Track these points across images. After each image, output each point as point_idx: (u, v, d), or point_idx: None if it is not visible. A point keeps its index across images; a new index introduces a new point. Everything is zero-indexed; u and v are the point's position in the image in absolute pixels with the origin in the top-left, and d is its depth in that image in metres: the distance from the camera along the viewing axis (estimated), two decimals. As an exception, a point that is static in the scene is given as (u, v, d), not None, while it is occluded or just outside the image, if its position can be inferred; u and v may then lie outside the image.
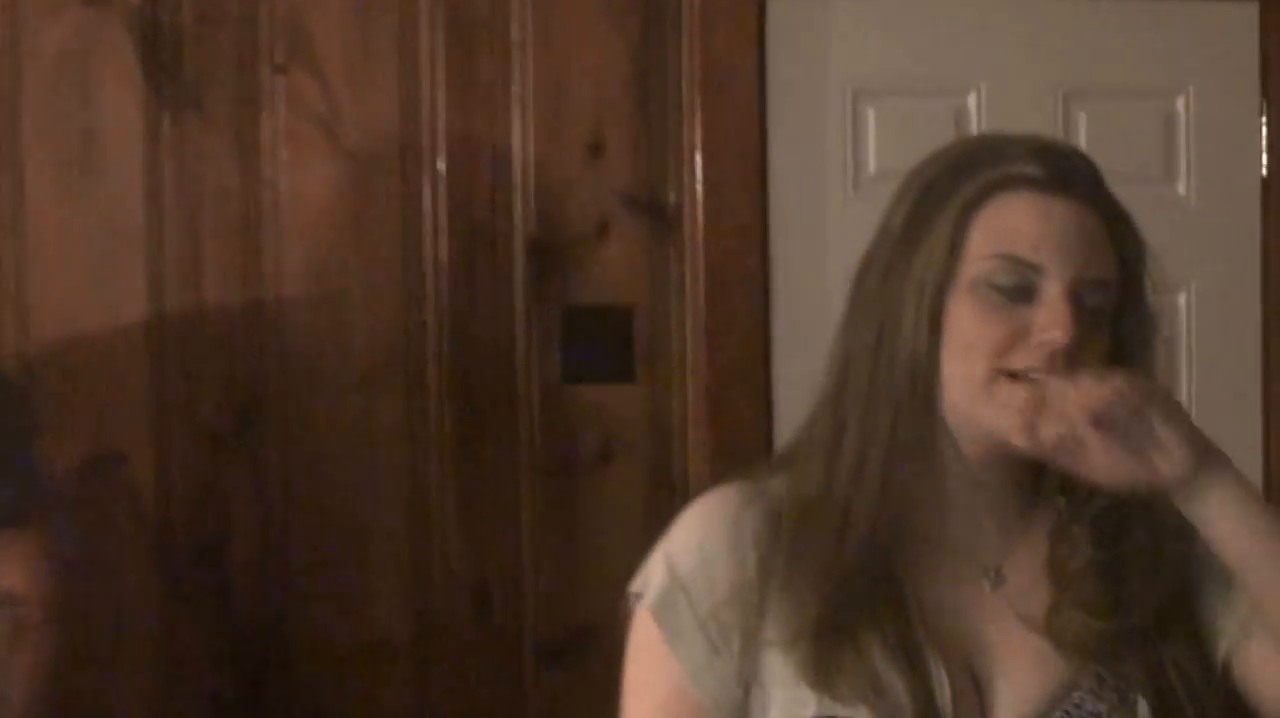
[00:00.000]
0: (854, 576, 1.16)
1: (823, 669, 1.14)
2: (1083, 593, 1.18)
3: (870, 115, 2.46)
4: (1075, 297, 1.14)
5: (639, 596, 1.25)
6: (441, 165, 2.26)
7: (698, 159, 2.32)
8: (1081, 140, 2.43)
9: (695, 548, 1.22)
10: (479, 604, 2.27)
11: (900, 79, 2.47)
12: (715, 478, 2.47)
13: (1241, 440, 2.37)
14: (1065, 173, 1.17)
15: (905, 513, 1.19)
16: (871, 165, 2.46)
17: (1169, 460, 1.10)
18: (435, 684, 2.27)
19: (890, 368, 1.17)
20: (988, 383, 1.14)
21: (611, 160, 2.30)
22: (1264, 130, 2.51)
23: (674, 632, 1.21)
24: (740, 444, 2.30)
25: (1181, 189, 2.53)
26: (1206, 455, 1.10)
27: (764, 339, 2.35)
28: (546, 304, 2.28)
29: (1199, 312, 2.53)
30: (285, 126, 2.22)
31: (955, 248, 1.15)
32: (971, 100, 2.47)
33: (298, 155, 2.22)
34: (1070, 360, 1.12)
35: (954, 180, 1.18)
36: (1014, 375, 1.14)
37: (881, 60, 2.46)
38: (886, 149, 2.46)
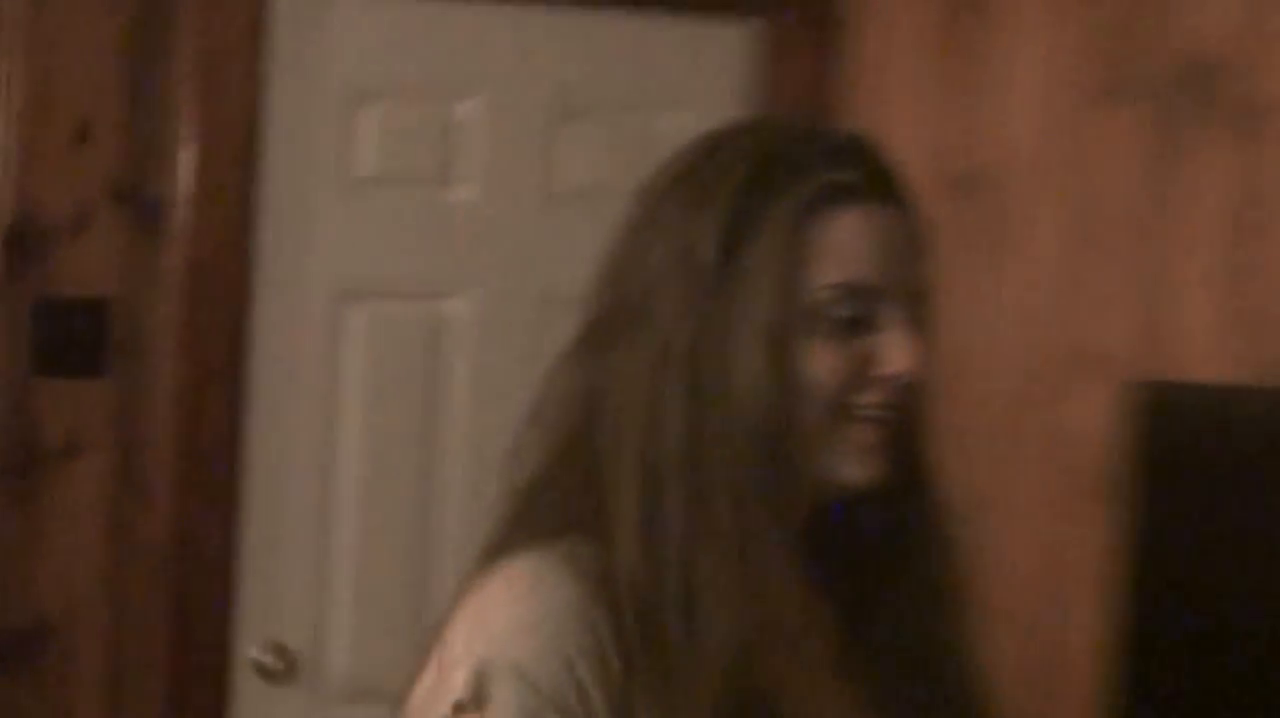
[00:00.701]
0: (722, 698, 1.00)
1: None
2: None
3: (366, 119, 2.52)
4: (913, 318, 1.05)
5: (467, 700, 1.02)
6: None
7: (187, 152, 2.33)
8: (580, 151, 2.57)
9: (553, 655, 1.01)
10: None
11: (398, 84, 2.55)
12: (181, 479, 2.54)
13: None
14: (880, 175, 1.07)
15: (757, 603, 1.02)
16: (364, 169, 2.52)
17: None
18: None
19: (727, 427, 1.02)
20: (833, 426, 1.04)
21: (98, 149, 2.27)
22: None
23: None
24: (210, 446, 2.34)
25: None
26: None
27: (242, 341, 2.39)
28: (20, 294, 2.24)
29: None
30: None
31: (788, 280, 1.03)
32: (468, 107, 2.58)
33: None
34: (916, 391, 1.05)
35: (767, 197, 1.05)
36: (862, 415, 1.04)
37: (381, 63, 2.54)
38: (381, 154, 2.54)
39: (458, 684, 1.01)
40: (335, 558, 2.51)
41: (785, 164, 1.07)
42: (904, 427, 1.05)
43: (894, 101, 2.59)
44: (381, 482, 2.54)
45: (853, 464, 1.04)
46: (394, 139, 2.53)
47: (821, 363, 1.03)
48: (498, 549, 1.07)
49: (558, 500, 1.07)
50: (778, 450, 1.03)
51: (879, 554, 1.09)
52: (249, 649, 2.41)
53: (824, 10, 2.64)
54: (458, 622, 1.04)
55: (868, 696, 1.07)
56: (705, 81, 2.71)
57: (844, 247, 1.05)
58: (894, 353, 1.03)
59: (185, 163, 2.33)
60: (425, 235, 2.54)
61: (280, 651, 2.41)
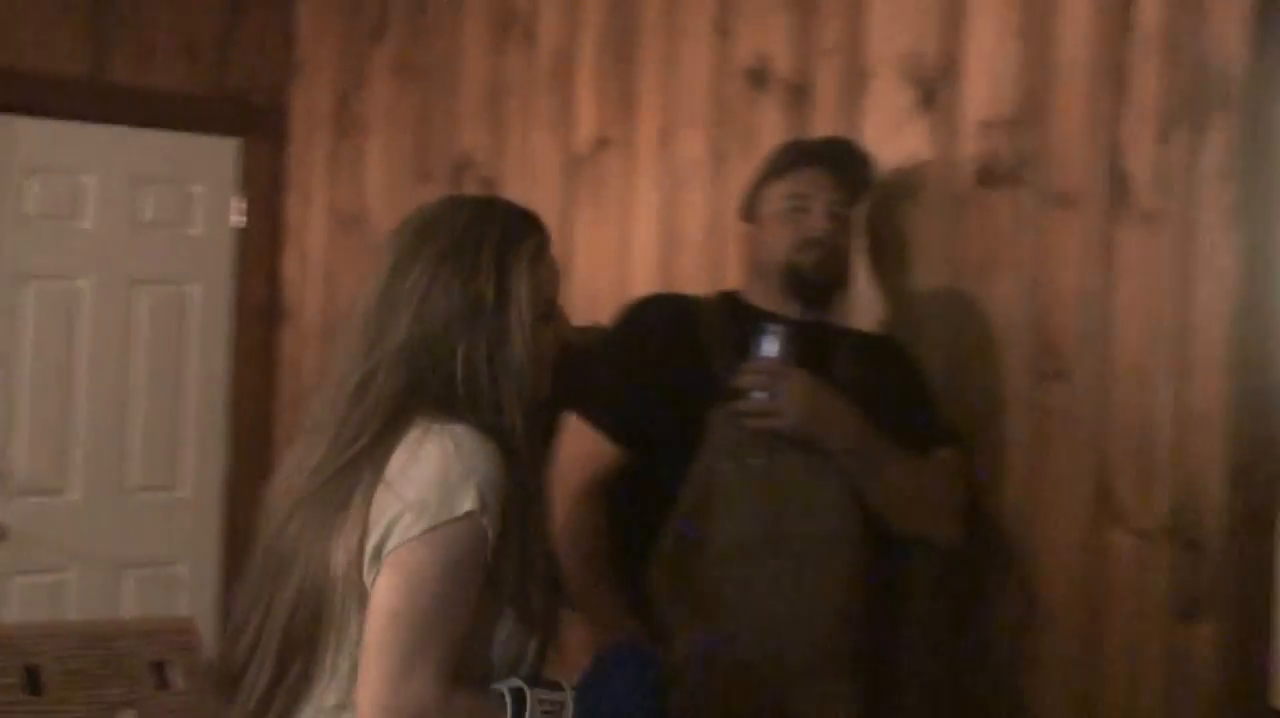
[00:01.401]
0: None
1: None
2: None
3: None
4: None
5: (475, 511, 1.69)
6: None
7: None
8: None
9: (503, 481, 1.73)
10: None
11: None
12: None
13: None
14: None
15: None
16: (30, 209, 4.09)
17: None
18: None
19: (509, 367, 1.82)
20: (546, 367, 1.88)
21: None
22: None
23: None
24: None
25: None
26: None
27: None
28: None
29: None
30: None
31: (534, 299, 1.86)
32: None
33: None
34: (567, 347, 1.97)
35: (515, 253, 1.84)
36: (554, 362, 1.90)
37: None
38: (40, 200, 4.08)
39: (467, 498, 1.69)
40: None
41: (516, 228, 1.82)
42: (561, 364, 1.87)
43: (313, 180, 4.51)
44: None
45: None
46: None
47: (544, 338, 1.82)
48: (395, 428, 1.73)
49: (428, 403, 1.74)
50: (528, 375, 1.79)
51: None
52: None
53: (277, 131, 4.56)
54: (423, 464, 1.70)
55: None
56: (205, 171, 4.43)
57: (552, 276, 1.84)
58: (564, 328, 1.90)
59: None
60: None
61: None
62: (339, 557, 1.73)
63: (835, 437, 2.40)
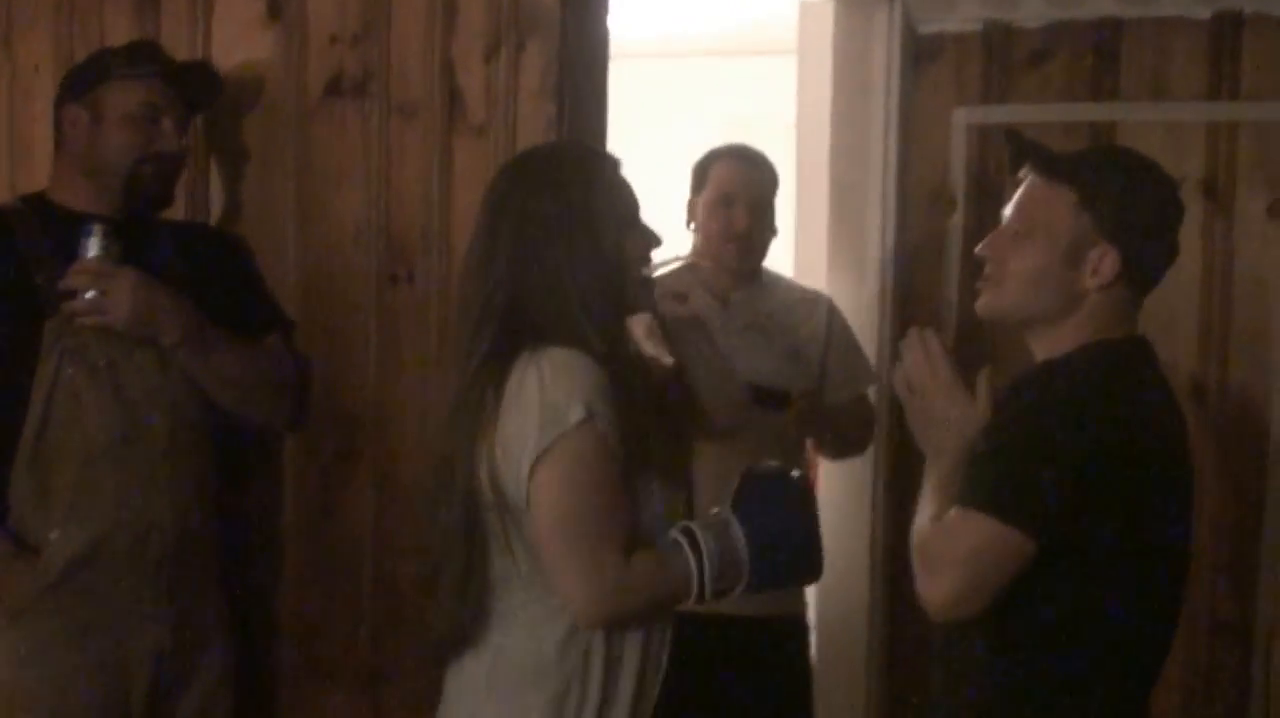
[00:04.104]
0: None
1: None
2: None
3: None
4: None
5: (586, 419, 1.95)
6: None
7: None
8: None
9: (608, 397, 1.98)
10: None
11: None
12: None
13: None
14: None
15: None
16: None
17: None
18: None
19: (602, 276, 2.07)
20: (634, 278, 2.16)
21: None
22: None
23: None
24: None
25: None
26: None
27: None
28: None
29: None
30: None
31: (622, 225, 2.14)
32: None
33: None
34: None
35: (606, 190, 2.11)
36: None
37: None
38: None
39: (575, 411, 1.94)
40: None
41: (588, 161, 2.13)
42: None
43: None
44: None
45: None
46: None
47: (625, 250, 2.07)
48: (504, 352, 2.01)
49: (528, 326, 2.01)
50: (611, 286, 2.05)
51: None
52: None
53: None
54: (526, 387, 1.97)
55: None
56: None
57: (627, 194, 2.10)
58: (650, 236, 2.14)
59: None
60: None
61: None
62: (483, 474, 2.00)
63: (167, 329, 2.50)
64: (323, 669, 2.89)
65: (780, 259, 3.58)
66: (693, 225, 3.31)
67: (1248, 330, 3.70)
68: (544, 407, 1.95)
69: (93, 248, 2.45)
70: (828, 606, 3.82)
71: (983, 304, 2.06)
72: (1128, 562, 1.92)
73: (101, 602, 2.49)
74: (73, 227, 2.49)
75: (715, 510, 2.07)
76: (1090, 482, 1.86)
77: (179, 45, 2.91)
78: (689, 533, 2.03)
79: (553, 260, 2.02)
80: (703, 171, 3.32)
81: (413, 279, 2.80)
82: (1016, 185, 2.10)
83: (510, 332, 2.02)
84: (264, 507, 2.91)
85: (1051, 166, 2.04)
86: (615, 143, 2.70)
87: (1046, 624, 1.92)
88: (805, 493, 2.12)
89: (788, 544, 2.06)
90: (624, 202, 2.09)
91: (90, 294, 2.43)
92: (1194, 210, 3.68)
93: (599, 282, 2.03)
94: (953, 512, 1.91)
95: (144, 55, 2.68)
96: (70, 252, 2.46)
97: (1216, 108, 3.70)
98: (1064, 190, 2.01)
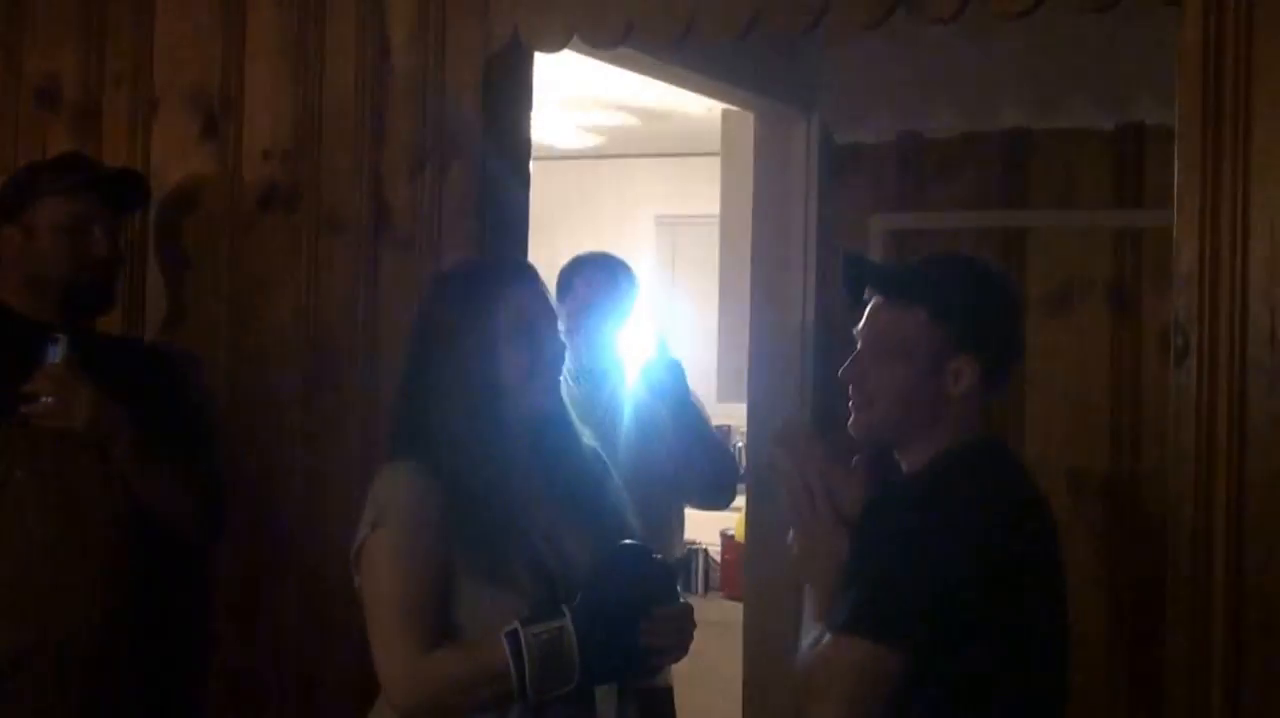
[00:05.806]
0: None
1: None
2: None
3: None
4: None
5: (374, 529, 2.10)
6: None
7: None
8: None
9: (418, 507, 2.10)
10: None
11: None
12: None
13: None
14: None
15: None
16: None
17: None
18: None
19: (486, 397, 2.16)
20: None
21: None
22: None
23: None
24: None
25: None
26: None
27: None
28: None
29: None
30: None
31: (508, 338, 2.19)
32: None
33: None
34: None
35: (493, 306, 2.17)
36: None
37: None
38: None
39: (371, 520, 2.10)
40: None
41: (483, 293, 2.17)
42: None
43: None
44: None
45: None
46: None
47: (498, 362, 2.14)
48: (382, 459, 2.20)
49: (404, 437, 2.17)
50: (460, 400, 2.14)
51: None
52: None
53: None
54: (369, 498, 2.13)
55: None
56: None
57: (508, 309, 2.16)
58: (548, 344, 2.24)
59: None
60: None
61: None
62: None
63: (117, 438, 2.63)
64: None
65: (704, 356, 3.71)
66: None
67: (1158, 431, 3.82)
68: (363, 513, 2.15)
69: (54, 354, 2.57)
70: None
71: (855, 425, 2.10)
72: (1005, 653, 1.96)
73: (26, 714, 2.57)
74: (27, 333, 2.61)
75: (558, 612, 2.08)
76: (958, 590, 1.90)
77: (119, 160, 3.03)
78: (512, 634, 2.05)
79: (416, 374, 2.19)
80: (567, 280, 3.46)
81: (336, 388, 2.91)
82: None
83: (389, 436, 2.25)
84: (192, 616, 3.00)
85: (899, 289, 2.07)
86: (544, 243, 2.80)
87: None
88: (664, 573, 2.17)
89: (624, 643, 2.09)
90: (511, 314, 2.16)
91: (49, 399, 2.55)
92: (1102, 315, 3.87)
93: (458, 395, 2.13)
94: (827, 637, 1.93)
95: (70, 166, 2.81)
96: (23, 357, 2.57)
97: (1121, 215, 3.86)
98: (914, 310, 2.04)
